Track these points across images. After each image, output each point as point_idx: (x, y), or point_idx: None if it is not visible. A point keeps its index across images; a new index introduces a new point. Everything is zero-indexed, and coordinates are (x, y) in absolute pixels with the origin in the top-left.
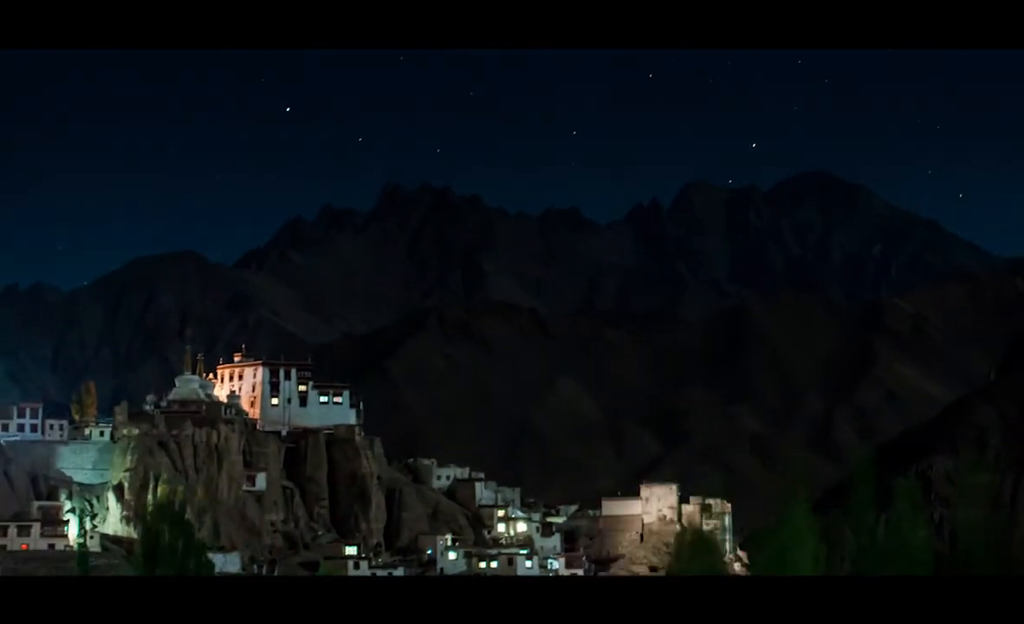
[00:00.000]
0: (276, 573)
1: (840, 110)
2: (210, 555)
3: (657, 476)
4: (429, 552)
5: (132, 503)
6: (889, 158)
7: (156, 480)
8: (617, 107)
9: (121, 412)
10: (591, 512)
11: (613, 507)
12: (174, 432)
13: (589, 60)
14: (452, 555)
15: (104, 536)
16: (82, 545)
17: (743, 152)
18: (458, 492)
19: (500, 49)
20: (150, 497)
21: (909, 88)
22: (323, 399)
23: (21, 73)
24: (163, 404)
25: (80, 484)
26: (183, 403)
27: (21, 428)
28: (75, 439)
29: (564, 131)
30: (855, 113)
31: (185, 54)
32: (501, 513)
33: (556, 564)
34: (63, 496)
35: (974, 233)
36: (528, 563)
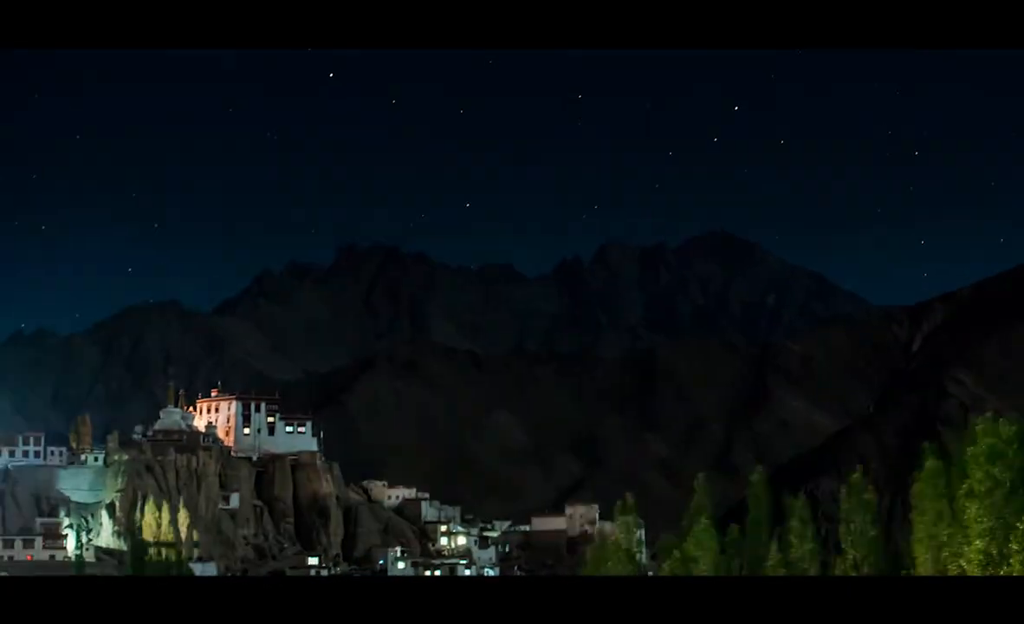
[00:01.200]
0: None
1: (738, 176)
2: (190, 564)
3: (579, 495)
4: (381, 562)
5: (123, 519)
6: (780, 219)
7: (144, 499)
8: (543, 177)
9: (113, 440)
10: (522, 527)
11: (541, 523)
12: (159, 458)
13: (518, 132)
14: (401, 565)
15: (98, 548)
16: (79, 556)
17: (654, 214)
18: (406, 510)
19: (441, 117)
20: (138, 514)
21: (794, 155)
22: (288, 429)
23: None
24: (149, 433)
25: (77, 503)
26: (167, 433)
27: (26, 454)
28: (73, 464)
29: (500, 197)
30: (750, 179)
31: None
32: (444, 528)
33: (491, 572)
34: (62, 513)
35: (855, 284)
36: (467, 571)
